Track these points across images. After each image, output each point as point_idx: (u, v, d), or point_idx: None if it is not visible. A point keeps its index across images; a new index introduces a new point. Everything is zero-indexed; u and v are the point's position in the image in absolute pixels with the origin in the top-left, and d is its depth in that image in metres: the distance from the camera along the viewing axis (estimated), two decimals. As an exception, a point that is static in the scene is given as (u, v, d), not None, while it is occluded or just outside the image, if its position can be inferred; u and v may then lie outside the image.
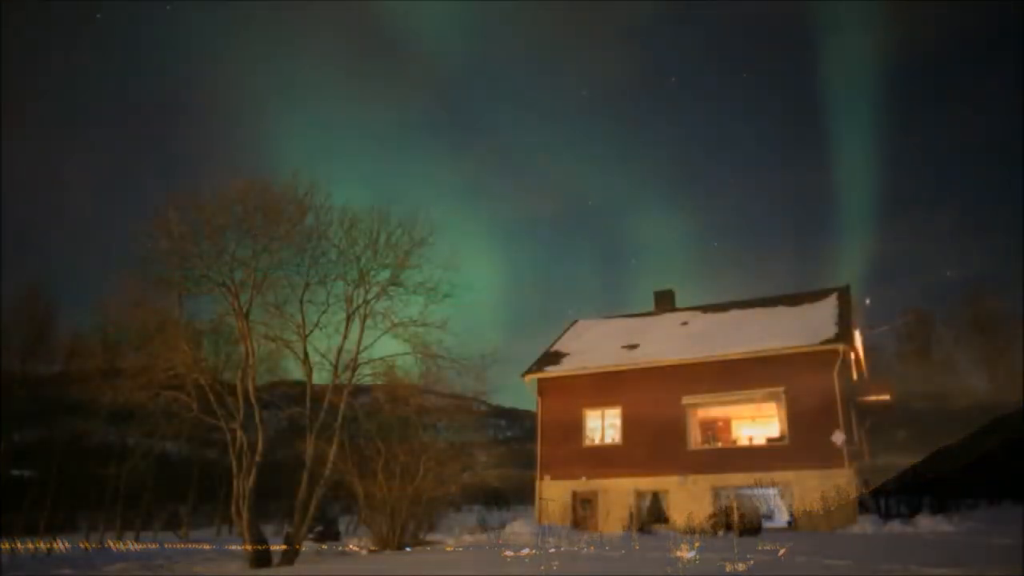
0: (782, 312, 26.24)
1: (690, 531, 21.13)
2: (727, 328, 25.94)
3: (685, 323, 27.88)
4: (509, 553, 12.71)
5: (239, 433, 15.78)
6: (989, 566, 8.44)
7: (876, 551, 10.63)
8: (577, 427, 25.63)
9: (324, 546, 22.70)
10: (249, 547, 15.30)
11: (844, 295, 26.06)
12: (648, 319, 29.73)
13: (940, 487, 36.36)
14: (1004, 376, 36.55)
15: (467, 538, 21.14)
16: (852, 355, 25.67)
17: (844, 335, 22.58)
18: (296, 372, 18.07)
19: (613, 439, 25.14)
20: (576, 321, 31.87)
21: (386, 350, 18.81)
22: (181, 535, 31.16)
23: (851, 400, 24.20)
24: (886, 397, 25.51)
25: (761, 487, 22.34)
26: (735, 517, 18.19)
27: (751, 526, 18.17)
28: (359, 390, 18.53)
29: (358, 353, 16.79)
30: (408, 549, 17.54)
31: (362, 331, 16.89)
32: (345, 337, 16.86)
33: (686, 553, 11.15)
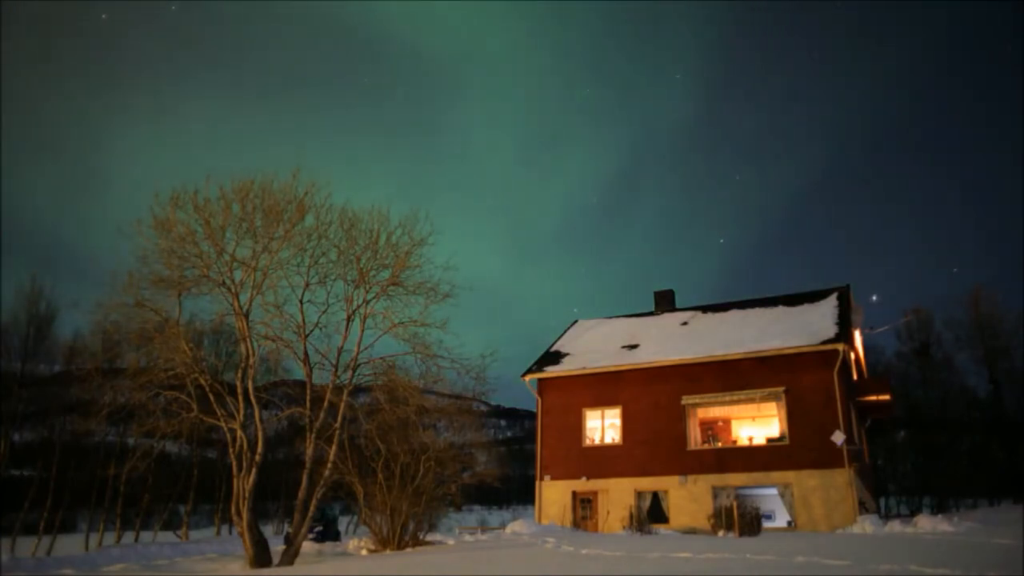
0: (782, 312, 26.26)
1: (690, 531, 21.17)
2: (727, 328, 25.96)
3: (685, 323, 27.90)
4: (508, 552, 12.71)
5: (239, 433, 15.78)
6: (989, 566, 8.43)
7: (876, 551, 10.62)
8: (577, 427, 25.66)
9: (324, 546, 22.70)
10: (249, 547, 15.30)
11: (844, 295, 26.09)
12: (648, 319, 29.75)
13: (940, 487, 36.50)
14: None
15: (467, 538, 21.16)
16: (852, 355, 25.70)
17: (844, 335, 22.60)
18: (296, 372, 18.07)
19: (613, 439, 25.17)
20: (576, 321, 31.90)
21: (386, 350, 18.82)
22: (181, 535, 31.13)
23: (851, 400, 24.22)
24: (886, 397, 25.54)
25: (761, 487, 22.37)
26: (735, 517, 18.19)
27: (751, 526, 18.16)
28: (359, 390, 18.52)
29: (358, 353, 16.78)
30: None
31: (362, 331, 16.89)
32: (345, 337, 16.85)
33: (686, 553, 11.15)
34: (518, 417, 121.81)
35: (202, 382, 16.00)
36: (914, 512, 36.09)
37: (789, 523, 21.58)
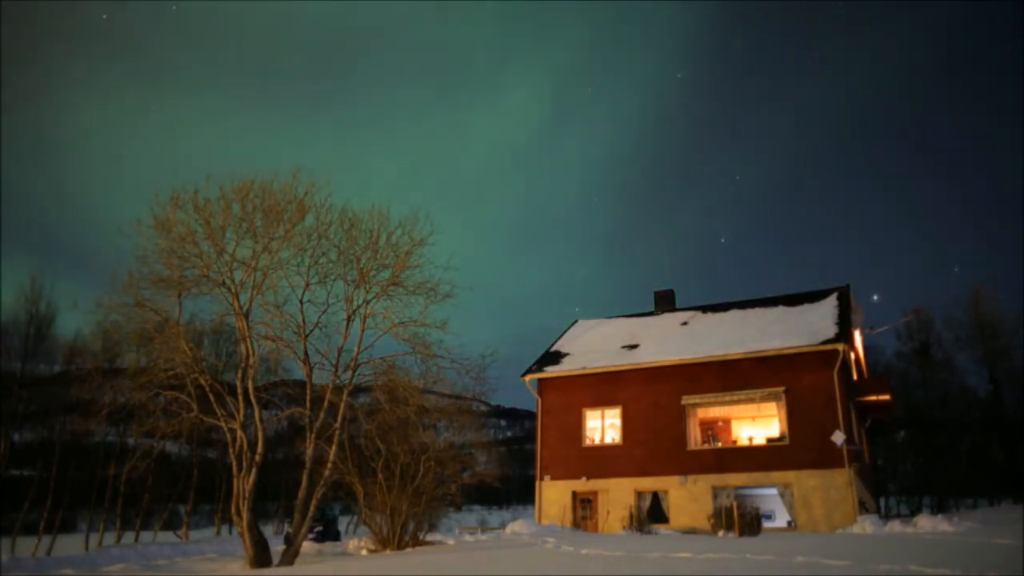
0: (782, 312, 26.26)
1: (690, 531, 21.17)
2: (727, 328, 25.96)
3: (685, 323, 27.90)
4: (508, 552, 12.71)
5: (239, 433, 15.78)
6: (989, 566, 8.44)
7: (876, 551, 10.62)
8: (577, 427, 25.66)
9: (324, 546, 22.69)
10: (249, 547, 15.30)
11: (844, 295, 26.10)
12: (648, 319, 29.75)
13: (940, 487, 36.51)
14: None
15: (467, 538, 21.16)
16: (852, 355, 25.70)
17: (844, 335, 22.60)
18: (296, 372, 18.08)
19: (613, 439, 25.17)
20: (576, 321, 31.90)
21: (386, 350, 18.83)
22: (181, 535, 31.13)
23: (851, 400, 24.22)
24: (886, 397, 25.55)
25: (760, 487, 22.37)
26: (735, 517, 18.19)
27: (751, 526, 18.17)
28: (359, 390, 18.52)
29: (358, 353, 16.78)
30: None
31: (362, 331, 16.89)
32: (345, 337, 16.86)
33: (686, 553, 11.15)
34: (518, 417, 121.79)
35: (202, 382, 16.00)
36: (914, 512, 36.11)
37: (789, 523, 21.58)
